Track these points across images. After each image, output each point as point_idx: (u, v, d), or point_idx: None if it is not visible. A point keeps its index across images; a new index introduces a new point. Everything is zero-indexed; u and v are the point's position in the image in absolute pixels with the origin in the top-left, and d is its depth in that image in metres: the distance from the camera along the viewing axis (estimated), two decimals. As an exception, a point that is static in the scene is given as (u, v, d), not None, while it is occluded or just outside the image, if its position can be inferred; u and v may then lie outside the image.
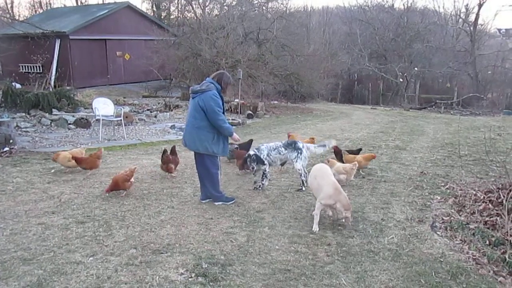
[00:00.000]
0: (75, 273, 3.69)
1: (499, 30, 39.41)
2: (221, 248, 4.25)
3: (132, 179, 5.90)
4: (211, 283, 3.58)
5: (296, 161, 6.21)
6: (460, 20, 33.85)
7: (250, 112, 15.76)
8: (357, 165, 6.60)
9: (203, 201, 5.62)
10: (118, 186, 5.71)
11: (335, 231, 4.75)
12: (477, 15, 30.77)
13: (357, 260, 4.07)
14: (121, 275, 3.68)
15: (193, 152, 5.64)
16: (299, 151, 6.22)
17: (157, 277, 3.65)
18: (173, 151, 6.95)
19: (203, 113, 5.25)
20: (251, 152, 6.10)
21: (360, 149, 7.91)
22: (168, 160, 6.73)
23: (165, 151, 6.82)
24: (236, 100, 15.97)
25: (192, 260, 3.96)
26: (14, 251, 4.09)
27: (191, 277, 3.68)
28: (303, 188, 6.23)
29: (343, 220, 4.83)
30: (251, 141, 8.08)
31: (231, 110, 15.68)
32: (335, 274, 3.79)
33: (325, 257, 4.12)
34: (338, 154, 7.41)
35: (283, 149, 6.22)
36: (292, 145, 6.26)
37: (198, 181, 5.80)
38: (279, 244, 4.40)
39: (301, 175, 6.27)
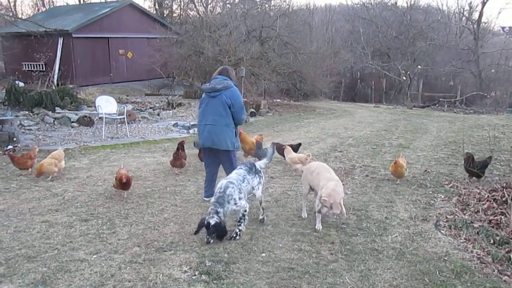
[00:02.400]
0: (79, 271, 3.70)
1: (503, 28, 39.28)
2: (224, 246, 4.25)
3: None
4: (214, 281, 3.58)
5: (258, 189, 4.91)
6: (464, 18, 33.75)
7: (253, 110, 15.74)
8: (311, 156, 6.94)
9: (206, 199, 5.62)
10: (130, 184, 5.66)
11: (339, 230, 4.74)
12: (481, 13, 30.71)
13: (361, 258, 4.06)
14: (124, 273, 3.68)
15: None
16: (260, 176, 4.99)
17: (161, 275, 3.65)
18: (181, 147, 7.02)
19: (229, 110, 5.30)
20: (211, 221, 4.25)
21: (300, 144, 8.00)
22: (181, 156, 6.88)
23: (178, 148, 6.93)
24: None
25: (195, 258, 3.96)
26: (18, 249, 4.10)
27: (195, 275, 3.68)
28: (265, 218, 4.98)
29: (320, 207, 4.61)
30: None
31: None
32: (338, 273, 3.79)
33: (329, 256, 4.11)
34: (279, 149, 7.49)
35: (249, 176, 4.79)
36: (252, 169, 4.92)
37: (201, 179, 5.80)
38: (283, 242, 4.39)
39: (261, 202, 4.97)
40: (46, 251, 4.07)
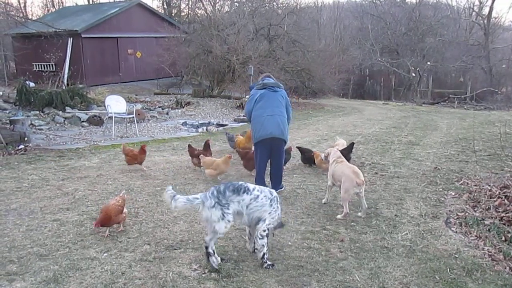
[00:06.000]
0: (90, 269, 3.74)
1: (514, 23, 38.65)
2: (234, 244, 4.26)
3: (125, 210, 4.61)
4: (224, 279, 3.59)
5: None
6: (474, 13, 33.31)
7: (261, 108, 15.69)
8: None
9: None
10: (110, 220, 4.34)
11: (348, 227, 4.73)
12: (491, 8, 30.26)
13: (371, 256, 4.05)
14: (135, 271, 3.71)
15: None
16: None
17: (171, 273, 3.67)
18: (206, 146, 7.22)
19: (285, 107, 5.90)
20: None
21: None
22: (192, 153, 7.10)
23: (189, 146, 7.32)
24: (247, 96, 15.95)
25: (205, 256, 3.97)
26: (30, 247, 4.15)
27: (204, 273, 3.70)
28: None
29: None
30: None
31: (242, 106, 15.68)
32: (348, 270, 3.78)
33: (338, 253, 4.10)
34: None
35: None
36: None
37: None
38: (292, 240, 4.39)
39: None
40: (58, 249, 4.11)
